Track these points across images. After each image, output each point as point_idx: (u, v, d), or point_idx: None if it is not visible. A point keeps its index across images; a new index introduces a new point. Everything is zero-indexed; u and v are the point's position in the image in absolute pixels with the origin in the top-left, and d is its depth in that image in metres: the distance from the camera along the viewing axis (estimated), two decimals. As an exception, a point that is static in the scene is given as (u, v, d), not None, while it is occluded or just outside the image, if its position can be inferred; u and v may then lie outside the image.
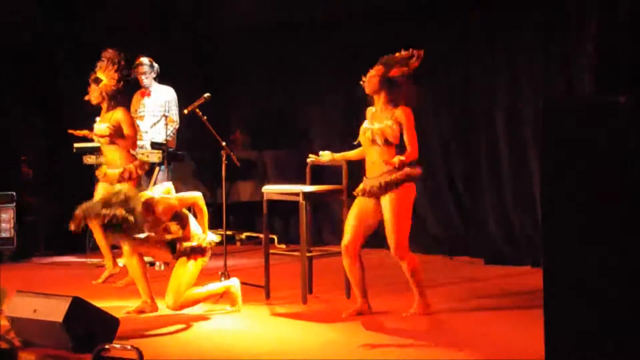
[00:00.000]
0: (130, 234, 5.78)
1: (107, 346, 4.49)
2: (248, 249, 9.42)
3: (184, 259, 5.96)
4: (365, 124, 5.94)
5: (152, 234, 5.95)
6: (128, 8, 9.74)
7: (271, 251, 6.74)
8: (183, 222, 6.00)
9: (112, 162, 7.45)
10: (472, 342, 5.14)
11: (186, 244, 5.97)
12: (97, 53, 7.55)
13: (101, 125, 7.39)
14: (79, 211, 5.78)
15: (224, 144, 6.96)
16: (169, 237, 5.97)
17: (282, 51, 9.91)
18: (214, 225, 9.77)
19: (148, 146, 8.18)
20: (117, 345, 4.59)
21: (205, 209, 6.09)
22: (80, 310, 5.04)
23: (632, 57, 3.27)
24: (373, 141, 5.84)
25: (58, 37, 9.63)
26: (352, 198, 6.08)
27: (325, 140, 9.62)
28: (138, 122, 8.39)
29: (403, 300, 6.05)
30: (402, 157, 5.69)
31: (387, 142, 5.79)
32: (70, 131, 7.99)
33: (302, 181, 6.74)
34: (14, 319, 5.22)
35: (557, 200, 3.46)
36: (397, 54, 5.93)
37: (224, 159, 6.95)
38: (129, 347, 4.42)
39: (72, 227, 5.77)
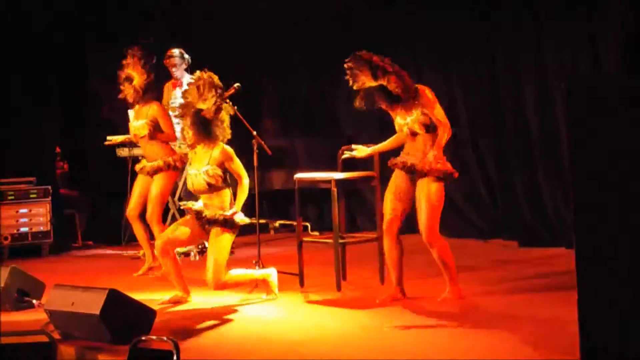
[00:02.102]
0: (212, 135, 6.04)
1: (143, 338, 4.53)
2: (282, 237, 9.47)
3: (217, 230, 5.98)
4: (399, 120, 5.90)
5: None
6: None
7: (304, 239, 6.76)
8: (225, 181, 6.05)
9: (151, 156, 7.44)
10: (506, 324, 5.13)
11: (220, 212, 5.98)
12: (124, 45, 7.57)
13: (138, 122, 7.40)
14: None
15: (254, 133, 6.99)
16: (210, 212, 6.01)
17: (310, 39, 9.91)
18: (247, 214, 9.87)
19: (180, 137, 8.22)
20: (154, 337, 4.63)
21: (247, 189, 6.07)
22: (116, 302, 5.09)
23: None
24: (413, 133, 5.84)
25: (85, 29, 9.68)
26: (384, 184, 6.08)
27: (356, 127, 9.65)
28: (170, 113, 8.43)
29: (438, 285, 6.05)
30: (435, 154, 5.69)
31: (427, 129, 5.78)
32: (108, 141, 8.03)
33: (334, 168, 6.75)
34: (52, 312, 5.30)
35: (585, 181, 3.43)
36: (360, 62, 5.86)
37: (255, 148, 6.98)
38: (165, 338, 4.46)
39: None
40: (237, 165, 6.08)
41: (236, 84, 6.95)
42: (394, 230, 5.91)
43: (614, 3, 7.20)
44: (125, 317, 5.08)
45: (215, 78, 6.05)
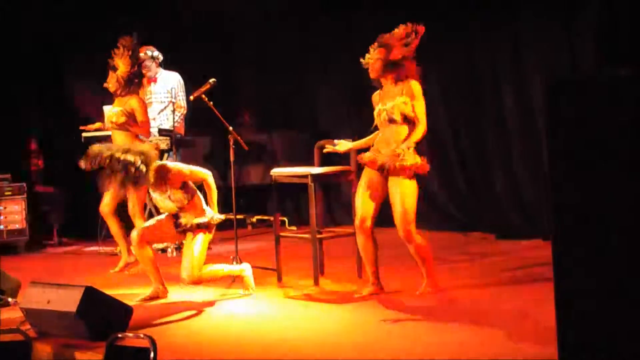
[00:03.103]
0: (138, 184, 5.85)
1: (120, 335, 4.51)
2: (259, 232, 9.44)
3: (191, 234, 5.99)
4: (380, 105, 5.89)
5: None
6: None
7: (282, 234, 6.74)
8: (190, 194, 6.02)
9: None
10: (484, 317, 5.15)
11: (194, 220, 5.99)
12: (101, 43, 7.55)
13: (115, 109, 7.41)
14: (93, 149, 5.79)
15: (230, 128, 6.96)
16: (183, 218, 6.00)
17: (288, 32, 9.89)
18: (224, 209, 9.86)
19: (156, 133, 8.19)
20: (130, 334, 4.61)
21: (214, 186, 6.08)
22: (93, 299, 5.06)
23: (637, 31, 3.25)
24: (390, 120, 5.81)
25: (61, 26, 9.62)
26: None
27: (334, 121, 9.64)
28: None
29: (415, 279, 6.05)
30: (410, 145, 5.69)
31: (405, 119, 5.77)
32: (82, 128, 8.05)
33: (311, 163, 6.74)
34: (29, 310, 5.25)
35: (562, 174, 3.44)
36: (395, 31, 5.88)
37: (231, 143, 6.96)
38: (142, 335, 4.43)
39: (83, 164, 5.79)
40: (192, 174, 6.04)
41: (211, 79, 6.93)
42: (367, 226, 5.90)
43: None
44: (102, 315, 5.05)
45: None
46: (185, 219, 6.01)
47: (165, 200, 6.01)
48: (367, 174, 5.91)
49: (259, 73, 10.33)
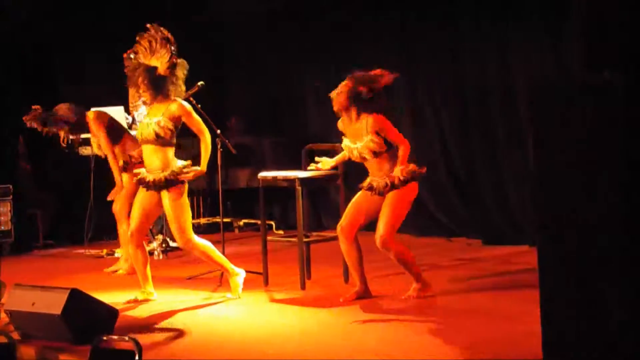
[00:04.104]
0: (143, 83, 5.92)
1: (105, 337, 4.49)
2: (246, 235, 9.43)
3: (165, 194, 5.93)
4: (347, 142, 5.92)
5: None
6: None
7: (269, 238, 6.73)
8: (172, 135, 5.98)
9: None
10: (470, 322, 5.16)
11: (162, 174, 5.92)
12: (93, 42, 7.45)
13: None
14: None
15: (218, 131, 6.95)
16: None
17: (277, 37, 9.90)
18: (212, 212, 9.86)
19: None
20: (115, 337, 4.59)
21: (209, 144, 5.99)
22: (78, 302, 5.04)
23: (622, 34, 3.26)
24: (363, 159, 5.85)
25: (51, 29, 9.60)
26: (348, 183, 6.07)
27: (322, 125, 9.64)
28: (135, 113, 8.34)
29: (403, 284, 6.06)
30: (401, 168, 5.73)
31: (376, 154, 5.79)
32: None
33: (299, 167, 6.73)
34: (13, 313, 5.23)
35: (548, 178, 3.46)
36: (369, 73, 5.86)
37: (219, 146, 6.95)
38: (127, 338, 4.41)
39: None
40: (196, 120, 5.99)
41: (200, 82, 6.91)
42: (351, 232, 5.91)
43: (576, 1, 7.24)
44: (87, 317, 5.04)
45: (167, 32, 5.96)
46: (154, 175, 5.94)
47: (150, 125, 5.92)
48: (366, 195, 5.91)
49: (248, 76, 10.31)
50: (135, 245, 6.10)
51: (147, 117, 6.04)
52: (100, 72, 9.20)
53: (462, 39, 8.48)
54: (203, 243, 6.03)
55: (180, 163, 5.98)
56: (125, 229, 6.91)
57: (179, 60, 5.98)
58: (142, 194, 6.07)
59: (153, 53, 5.91)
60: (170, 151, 6.00)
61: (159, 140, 5.94)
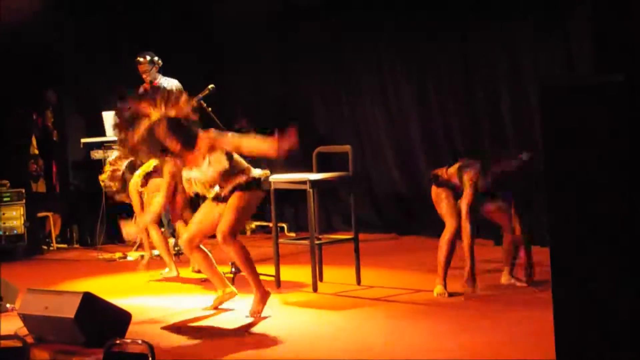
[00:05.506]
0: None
1: (118, 341, 4.50)
2: (258, 237, 9.42)
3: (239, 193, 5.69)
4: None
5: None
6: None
7: (280, 240, 6.73)
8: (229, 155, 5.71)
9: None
10: (484, 323, 5.15)
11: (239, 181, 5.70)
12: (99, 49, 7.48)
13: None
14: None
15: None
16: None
17: (284, 38, 9.91)
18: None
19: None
20: (128, 340, 4.60)
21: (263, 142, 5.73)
22: (91, 305, 5.06)
23: (629, 35, 3.26)
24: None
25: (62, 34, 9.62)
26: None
27: (331, 127, 9.64)
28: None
29: (428, 284, 6.05)
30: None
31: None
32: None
33: (309, 168, 6.73)
34: (26, 316, 5.25)
35: (560, 179, 3.45)
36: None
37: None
38: (139, 341, 4.42)
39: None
40: (227, 140, 5.69)
41: (210, 85, 6.94)
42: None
43: (586, 2, 7.23)
44: (100, 321, 5.05)
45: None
46: (228, 187, 5.69)
47: (207, 172, 5.66)
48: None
49: (255, 78, 10.30)
50: (189, 254, 5.95)
51: (187, 172, 5.75)
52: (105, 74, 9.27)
53: (472, 41, 8.44)
54: (241, 249, 5.73)
55: (259, 171, 5.80)
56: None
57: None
58: (209, 207, 5.82)
59: (173, 105, 5.70)
60: (236, 157, 5.76)
61: (227, 171, 5.70)
